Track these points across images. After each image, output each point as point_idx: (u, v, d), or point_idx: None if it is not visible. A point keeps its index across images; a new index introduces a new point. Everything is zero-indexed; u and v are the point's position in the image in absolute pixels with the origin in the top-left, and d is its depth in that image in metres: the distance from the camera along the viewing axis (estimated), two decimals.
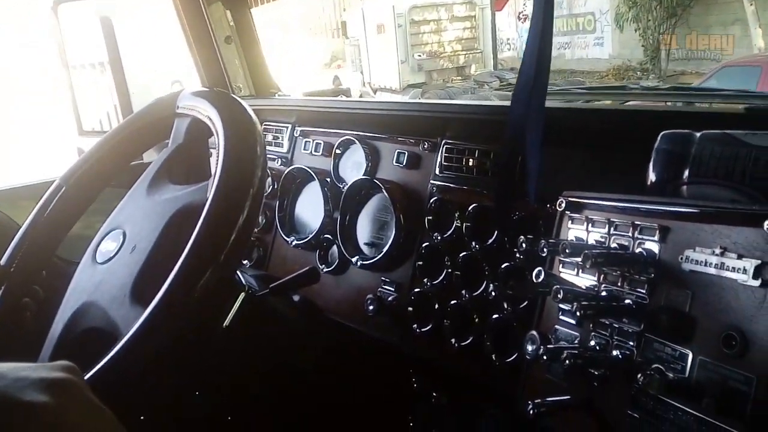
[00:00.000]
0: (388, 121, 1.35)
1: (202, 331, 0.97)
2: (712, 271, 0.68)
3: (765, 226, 0.62)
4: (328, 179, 1.44)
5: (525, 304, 1.03)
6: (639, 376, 0.70)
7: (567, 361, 0.75)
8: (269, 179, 1.60)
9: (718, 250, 0.68)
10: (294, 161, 1.57)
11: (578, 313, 0.75)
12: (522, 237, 0.91)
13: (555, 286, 0.79)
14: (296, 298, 1.30)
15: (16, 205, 1.49)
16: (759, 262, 0.64)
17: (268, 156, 1.62)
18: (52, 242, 1.17)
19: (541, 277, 0.83)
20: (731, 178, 0.73)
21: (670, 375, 0.70)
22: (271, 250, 1.60)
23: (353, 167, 1.42)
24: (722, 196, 0.74)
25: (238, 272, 1.08)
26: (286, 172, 1.52)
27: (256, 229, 1.61)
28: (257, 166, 0.91)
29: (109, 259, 0.99)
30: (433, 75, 13.64)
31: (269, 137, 1.65)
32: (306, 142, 1.55)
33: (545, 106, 1.01)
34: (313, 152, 1.52)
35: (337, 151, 1.45)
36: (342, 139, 1.43)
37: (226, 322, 1.00)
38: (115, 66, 2.15)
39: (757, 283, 0.63)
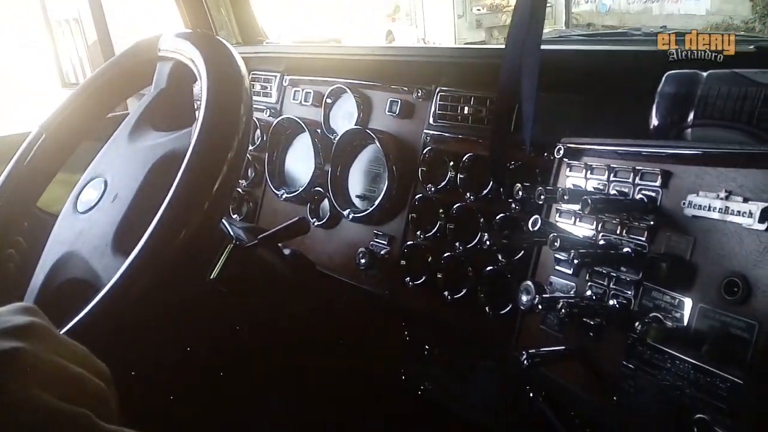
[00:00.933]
0: (381, 68, 1.29)
1: (188, 284, 0.95)
2: (715, 215, 0.66)
3: None
4: (319, 130, 1.40)
5: (520, 255, 1.01)
6: (636, 324, 0.67)
7: (563, 311, 0.73)
8: (258, 131, 1.55)
9: (722, 194, 0.65)
10: (283, 112, 1.52)
11: (575, 261, 0.73)
12: (518, 185, 0.87)
13: (552, 234, 0.76)
14: (287, 251, 1.27)
15: None
16: (766, 204, 0.61)
17: (256, 107, 1.58)
18: (33, 192, 1.13)
19: (538, 224, 0.80)
20: (739, 118, 0.70)
21: (669, 323, 0.68)
22: (261, 204, 1.56)
23: (344, 117, 1.38)
24: (729, 138, 0.70)
25: (225, 224, 1.05)
26: (274, 123, 1.47)
27: (245, 183, 1.58)
28: (242, 111, 0.87)
29: (91, 209, 0.96)
30: (494, 33, 11.11)
31: (257, 87, 1.59)
32: (295, 91, 1.50)
33: (541, 49, 0.96)
34: (303, 102, 1.47)
35: (328, 101, 1.40)
36: (332, 87, 1.38)
37: (213, 274, 0.97)
38: (96, 11, 2.07)
39: (763, 226, 0.61)
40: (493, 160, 1.03)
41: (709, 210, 0.66)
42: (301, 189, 1.41)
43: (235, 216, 1.60)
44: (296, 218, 1.03)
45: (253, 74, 1.61)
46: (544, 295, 0.78)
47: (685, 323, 0.67)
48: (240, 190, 1.59)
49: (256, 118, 1.56)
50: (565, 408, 0.89)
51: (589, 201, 0.72)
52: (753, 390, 0.60)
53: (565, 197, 0.77)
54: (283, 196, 1.44)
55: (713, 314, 0.64)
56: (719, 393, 0.62)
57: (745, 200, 0.63)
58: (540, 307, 0.77)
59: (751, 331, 0.60)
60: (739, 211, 0.63)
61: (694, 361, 0.66)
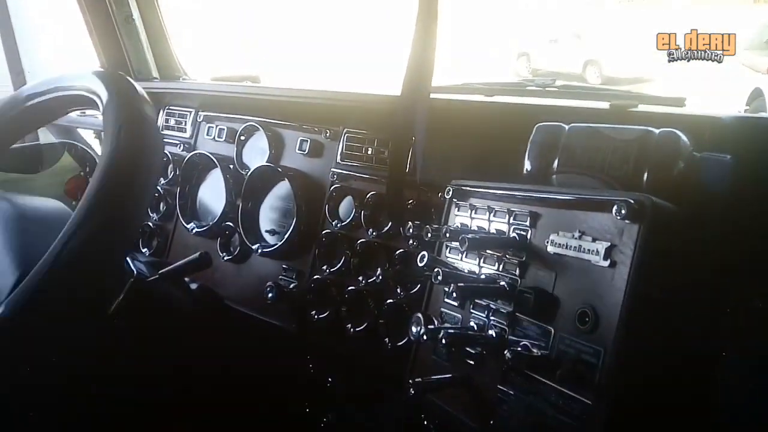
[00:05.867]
0: (293, 108, 1.34)
1: (85, 319, 0.94)
2: (571, 253, 0.74)
3: (613, 212, 0.68)
4: (231, 166, 1.42)
5: (416, 289, 1.07)
6: (506, 352, 0.74)
7: (443, 341, 0.79)
8: (170, 165, 1.56)
9: (576, 234, 0.73)
10: (197, 147, 1.54)
11: (454, 294, 0.79)
12: (410, 223, 0.93)
13: (435, 269, 0.82)
14: (194, 286, 1.27)
15: None
16: (608, 244, 0.69)
17: (169, 141, 1.59)
18: None
19: (425, 260, 0.86)
20: (594, 168, 0.79)
21: (535, 351, 0.75)
22: (172, 238, 1.55)
23: (257, 154, 1.41)
24: (586, 184, 0.80)
25: (128, 258, 1.05)
26: (187, 158, 1.48)
27: (156, 216, 1.57)
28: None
29: None
30: None
31: (171, 122, 1.60)
32: (209, 127, 1.52)
33: (435, 98, 1.05)
34: (216, 138, 1.49)
35: (241, 138, 1.43)
36: (246, 125, 1.41)
37: (112, 309, 0.97)
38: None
39: (606, 263, 0.69)
40: (389, 199, 1.09)
41: (566, 248, 0.74)
42: (212, 223, 1.42)
43: (144, 250, 1.58)
44: (198, 253, 1.05)
45: (168, 109, 1.62)
46: (429, 327, 0.84)
47: (548, 351, 0.74)
48: (150, 224, 1.57)
49: (169, 152, 1.56)
50: None
51: (466, 240, 0.79)
52: (600, 410, 0.67)
53: (447, 235, 0.84)
54: (194, 231, 1.45)
55: (569, 342, 0.72)
56: (573, 413, 0.69)
57: (594, 240, 0.71)
58: (425, 338, 0.82)
59: (598, 356, 0.68)
60: (589, 250, 0.71)
61: (555, 386, 0.72)
